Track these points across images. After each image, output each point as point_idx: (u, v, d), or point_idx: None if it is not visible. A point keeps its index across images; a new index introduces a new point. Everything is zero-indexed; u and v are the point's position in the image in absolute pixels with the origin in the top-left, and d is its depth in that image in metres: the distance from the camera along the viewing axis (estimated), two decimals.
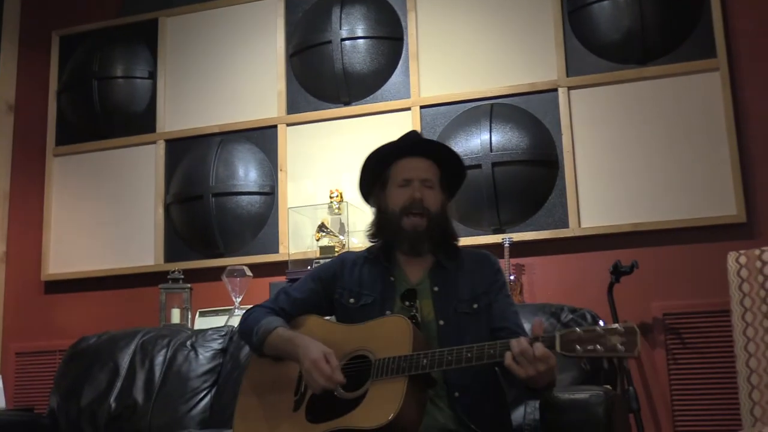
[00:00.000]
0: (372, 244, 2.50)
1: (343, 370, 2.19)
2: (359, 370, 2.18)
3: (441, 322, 2.27)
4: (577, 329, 1.93)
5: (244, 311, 2.52)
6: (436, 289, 2.33)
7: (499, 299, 2.36)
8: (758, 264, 2.82)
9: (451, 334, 2.24)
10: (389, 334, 2.17)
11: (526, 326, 2.36)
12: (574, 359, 1.95)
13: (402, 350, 2.10)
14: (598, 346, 1.88)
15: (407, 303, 2.30)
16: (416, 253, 2.38)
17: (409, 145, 2.45)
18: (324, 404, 2.18)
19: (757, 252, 2.85)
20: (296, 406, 2.25)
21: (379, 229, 2.44)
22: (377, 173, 2.46)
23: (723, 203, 3.58)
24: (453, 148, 3.81)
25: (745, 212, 3.54)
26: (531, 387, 2.06)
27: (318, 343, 2.23)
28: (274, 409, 2.29)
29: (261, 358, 2.40)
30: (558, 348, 1.93)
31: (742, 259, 2.86)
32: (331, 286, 2.44)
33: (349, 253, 2.55)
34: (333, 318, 2.46)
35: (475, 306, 2.32)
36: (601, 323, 1.92)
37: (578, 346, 1.90)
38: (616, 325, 1.88)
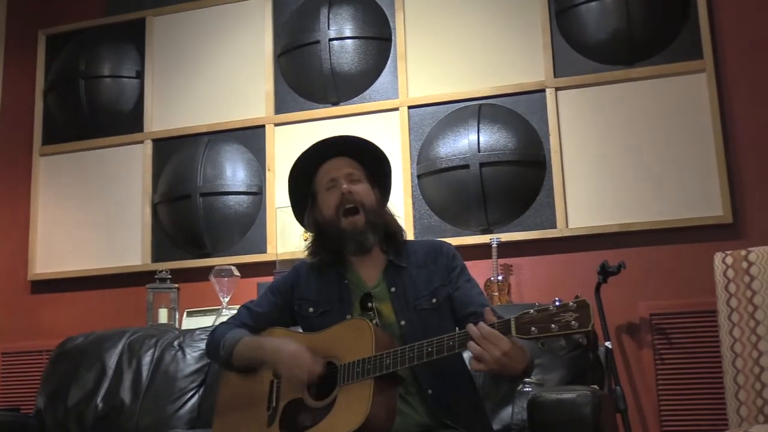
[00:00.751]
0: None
1: (312, 380, 2.19)
2: (328, 378, 2.18)
3: (402, 322, 2.27)
4: (531, 311, 1.93)
5: (210, 330, 2.52)
6: (393, 289, 2.32)
7: (460, 285, 2.35)
8: (744, 264, 2.84)
9: (415, 332, 2.22)
10: (352, 338, 2.17)
11: None
12: (532, 341, 1.93)
13: (365, 352, 2.11)
14: (553, 325, 1.88)
15: (367, 307, 2.30)
16: (364, 251, 2.36)
17: (320, 147, 2.44)
18: (296, 415, 2.18)
19: (743, 252, 2.86)
20: (270, 420, 2.25)
21: (321, 241, 2.41)
22: (304, 190, 2.45)
23: (709, 204, 3.59)
24: (441, 148, 3.89)
25: (731, 213, 3.56)
26: (507, 376, 2.05)
27: (289, 341, 2.23)
28: (249, 427, 2.29)
29: (231, 372, 2.40)
30: (513, 332, 1.93)
31: (729, 260, 2.88)
32: (290, 298, 2.44)
33: (302, 262, 2.53)
34: (298, 328, 2.45)
35: (434, 300, 2.31)
36: (556, 301, 1.91)
37: (533, 328, 1.91)
38: (568, 302, 1.88)
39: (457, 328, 2.30)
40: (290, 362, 2.17)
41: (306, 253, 2.47)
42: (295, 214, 2.53)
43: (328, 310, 2.35)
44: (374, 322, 2.24)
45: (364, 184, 2.40)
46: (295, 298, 2.43)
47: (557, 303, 1.91)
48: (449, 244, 2.47)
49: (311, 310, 2.38)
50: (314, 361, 2.15)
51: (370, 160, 2.46)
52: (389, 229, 2.41)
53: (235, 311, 3.61)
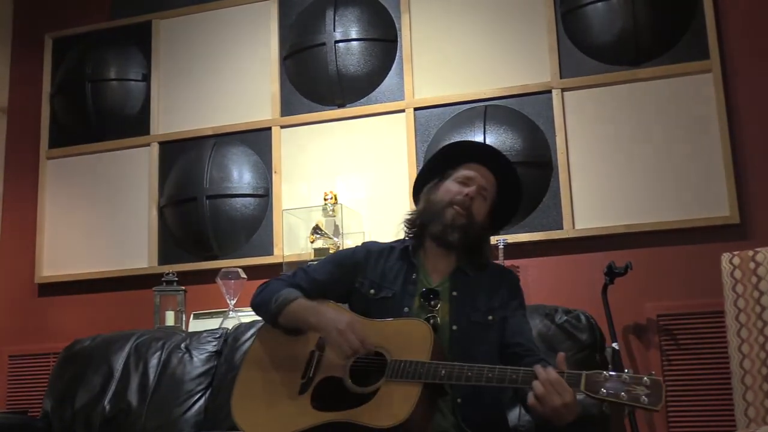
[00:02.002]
0: (399, 238, 2.48)
1: (356, 364, 2.17)
2: (372, 367, 2.15)
3: (454, 327, 2.26)
4: (604, 373, 1.91)
5: (257, 288, 2.44)
6: (454, 293, 2.32)
7: (516, 315, 2.35)
8: (752, 265, 2.83)
9: (462, 341, 2.23)
10: (409, 337, 2.15)
11: None
12: (597, 401, 1.93)
13: (420, 356, 2.09)
14: (623, 394, 1.87)
15: (426, 303, 2.29)
16: (443, 241, 2.35)
17: (487, 153, 2.45)
18: (331, 393, 2.15)
19: (750, 253, 2.86)
20: (302, 389, 2.21)
21: (420, 215, 2.42)
22: (443, 167, 2.45)
23: (716, 204, 3.58)
24: None
25: (738, 213, 3.55)
26: (554, 425, 2.01)
27: (345, 312, 2.22)
28: (278, 389, 2.25)
29: (274, 329, 2.34)
30: (582, 387, 1.92)
31: (736, 260, 2.87)
32: (352, 274, 2.41)
33: (373, 243, 2.52)
34: (346, 306, 2.42)
35: (490, 318, 2.30)
36: (627, 371, 1.90)
37: (603, 390, 1.89)
38: (643, 376, 1.88)
39: (500, 354, 2.29)
40: (346, 328, 2.13)
41: (404, 221, 2.46)
42: (417, 181, 2.52)
43: (389, 297, 2.33)
44: (432, 321, 2.23)
45: (486, 205, 2.40)
46: (359, 276, 2.40)
47: (630, 373, 1.90)
48: (517, 275, 2.49)
49: (372, 291, 2.36)
50: (366, 338, 2.12)
51: (507, 195, 2.46)
52: (477, 249, 2.41)
53: (242, 314, 3.66)
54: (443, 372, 2.05)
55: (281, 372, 2.28)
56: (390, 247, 2.45)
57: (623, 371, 1.91)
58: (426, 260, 2.39)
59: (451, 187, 2.37)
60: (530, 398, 1.95)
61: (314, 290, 2.38)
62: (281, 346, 2.33)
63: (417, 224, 2.42)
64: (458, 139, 3.88)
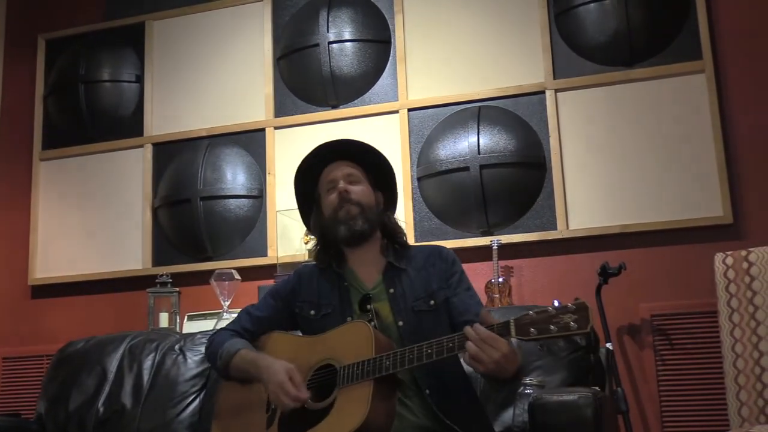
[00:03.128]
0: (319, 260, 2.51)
1: (311, 381, 2.22)
2: (327, 380, 2.20)
3: (400, 323, 2.29)
4: (530, 312, 1.94)
5: (209, 335, 2.55)
6: (391, 290, 2.34)
7: (458, 292, 2.37)
8: (745, 265, 2.84)
9: (412, 333, 2.24)
10: (352, 340, 2.18)
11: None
12: (531, 342, 1.95)
13: (365, 354, 2.12)
14: (552, 326, 1.89)
15: (365, 308, 2.32)
16: (358, 239, 2.37)
17: (322, 151, 2.49)
18: (295, 417, 2.19)
19: (743, 253, 2.86)
20: (268, 423, 2.26)
21: (324, 240, 2.45)
22: (309, 196, 2.50)
23: (710, 204, 3.59)
24: (441, 151, 3.90)
25: (731, 213, 3.56)
26: (500, 378, 2.05)
27: (280, 362, 2.24)
28: (248, 430, 2.31)
29: (228, 382, 2.42)
30: (513, 333, 1.94)
31: (729, 260, 2.88)
32: (291, 301, 2.47)
33: (305, 266, 2.58)
34: (298, 332, 2.46)
35: (432, 302, 2.33)
36: (555, 303, 1.92)
37: (532, 329, 1.92)
38: (567, 304, 1.90)
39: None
40: (276, 389, 2.19)
41: (311, 256, 2.52)
42: (302, 219, 2.57)
43: (329, 313, 2.37)
44: (373, 323, 2.25)
45: (364, 185, 2.43)
46: (297, 301, 2.45)
47: (556, 305, 1.91)
48: (449, 249, 2.49)
49: (312, 312, 2.40)
50: (298, 391, 2.16)
51: (374, 166, 2.49)
52: (389, 231, 2.45)
53: (236, 315, 3.65)
54: (388, 362, 2.08)
55: (247, 414, 2.34)
56: (319, 269, 2.48)
57: (550, 310, 1.92)
58: (354, 268, 2.42)
59: (327, 201, 2.42)
60: (467, 360, 2.00)
61: (259, 328, 2.47)
62: (241, 390, 2.39)
63: (327, 245, 2.45)
64: (455, 140, 3.90)
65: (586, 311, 1.88)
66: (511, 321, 1.96)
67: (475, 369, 2.01)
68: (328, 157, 2.48)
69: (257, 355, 2.35)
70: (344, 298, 2.37)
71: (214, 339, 2.48)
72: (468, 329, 1.99)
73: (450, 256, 2.44)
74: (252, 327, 2.47)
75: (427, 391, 2.20)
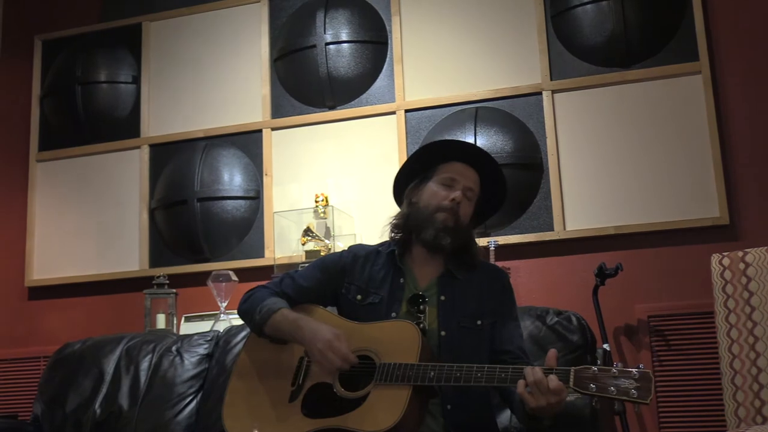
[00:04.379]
0: (385, 240, 2.45)
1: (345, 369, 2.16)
2: (361, 371, 2.15)
3: (443, 333, 2.25)
4: (593, 368, 1.92)
5: (243, 294, 2.45)
6: (443, 298, 2.30)
7: (506, 321, 2.34)
8: (741, 266, 2.84)
9: (451, 346, 2.22)
10: (397, 339, 2.14)
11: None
12: (587, 396, 1.93)
13: (408, 358, 2.08)
14: (612, 388, 1.87)
15: (414, 308, 2.27)
16: (435, 246, 2.32)
17: (467, 150, 2.43)
18: (322, 400, 2.15)
19: (740, 254, 2.86)
20: (292, 396, 2.21)
21: (406, 219, 2.39)
22: (425, 166, 2.42)
23: (706, 205, 3.60)
24: None
25: (728, 214, 3.56)
26: (536, 416, 2.02)
27: (327, 326, 2.19)
28: (268, 396, 2.25)
29: (260, 338, 2.34)
30: (571, 383, 1.92)
31: (726, 261, 2.88)
32: (339, 279, 2.40)
33: (360, 246, 2.50)
34: (334, 310, 2.41)
35: (479, 322, 2.29)
36: (616, 365, 1.90)
37: (592, 385, 1.89)
38: (632, 370, 1.88)
39: (489, 360, 2.28)
40: (324, 347, 2.12)
41: (390, 225, 2.43)
42: (397, 180, 2.49)
43: (376, 302, 2.32)
44: (422, 326, 2.21)
45: (472, 206, 2.39)
46: (345, 281, 2.39)
47: (618, 366, 1.90)
48: (507, 274, 2.46)
49: (359, 297, 2.35)
50: (348, 353, 2.12)
51: (490, 188, 2.44)
52: (465, 248, 2.39)
53: (233, 317, 3.65)
54: (432, 374, 2.05)
55: (271, 380, 2.28)
56: (376, 251, 2.43)
57: (613, 365, 1.90)
58: (413, 264, 2.38)
59: (436, 191, 2.35)
60: (520, 390, 1.96)
61: (301, 297, 2.39)
62: (269, 354, 2.32)
63: (404, 228, 2.40)
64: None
65: (649, 383, 1.86)
66: (572, 371, 1.93)
67: (512, 400, 1.98)
68: (465, 155, 2.41)
69: (300, 315, 2.28)
70: (395, 292, 2.32)
71: (254, 293, 2.39)
72: (528, 370, 1.96)
73: (509, 284, 2.42)
74: (293, 294, 2.39)
75: (449, 407, 2.18)
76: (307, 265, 2.60)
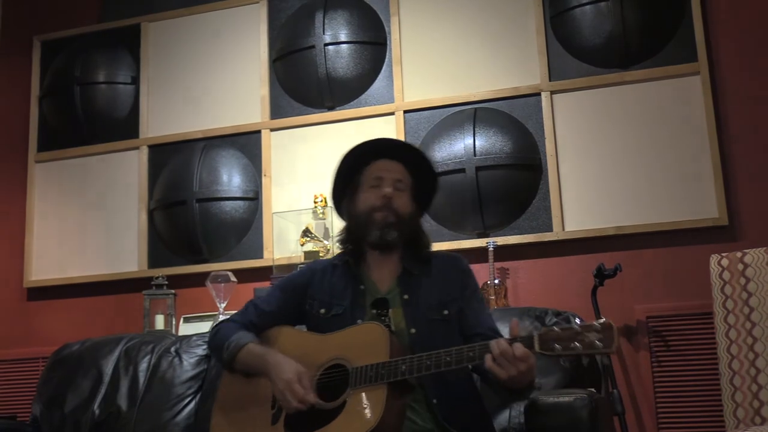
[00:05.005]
0: (340, 251, 2.47)
1: (320, 381, 2.18)
2: (336, 380, 2.16)
3: (412, 330, 2.26)
4: (555, 328, 1.93)
5: (212, 325, 2.50)
6: (405, 297, 2.31)
7: (472, 304, 2.35)
8: (740, 266, 2.85)
9: (423, 341, 2.21)
10: (365, 342, 2.15)
11: (503, 329, 2.34)
12: (554, 358, 1.95)
13: (379, 357, 2.10)
14: (576, 344, 1.89)
15: (378, 312, 2.29)
16: (385, 245, 2.34)
17: (385, 146, 2.44)
18: (303, 416, 2.16)
19: (738, 254, 2.87)
20: (274, 419, 2.23)
21: (350, 232, 2.42)
22: (350, 177, 2.44)
23: (705, 206, 3.60)
24: (437, 152, 3.90)
25: (726, 215, 3.56)
26: (512, 388, 2.04)
27: (291, 362, 2.20)
28: (250, 424, 2.27)
29: (232, 374, 2.37)
30: (537, 347, 1.94)
31: (724, 262, 2.89)
32: (301, 297, 2.42)
33: (317, 262, 2.53)
34: (304, 327, 2.43)
35: (446, 312, 2.30)
36: (578, 321, 1.92)
37: (557, 345, 1.91)
38: (593, 323, 1.90)
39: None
40: (284, 388, 2.15)
41: (337, 242, 2.46)
42: (333, 198, 2.51)
43: (340, 313, 2.33)
44: (388, 326, 2.23)
45: (407, 195, 2.39)
46: (308, 297, 2.40)
47: (580, 322, 1.91)
48: (465, 260, 2.46)
49: (323, 311, 2.36)
50: (307, 395, 2.14)
51: (421, 175, 2.45)
52: (415, 240, 2.41)
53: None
54: (404, 367, 2.06)
55: (251, 409, 2.30)
56: (332, 264, 2.45)
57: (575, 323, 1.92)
58: (370, 270, 2.39)
59: (368, 195, 2.37)
60: (487, 363, 1.97)
61: (266, 322, 2.41)
62: (246, 385, 2.34)
63: (351, 239, 2.42)
64: (450, 141, 3.90)
65: (612, 331, 1.87)
66: (536, 335, 1.95)
67: (493, 371, 1.99)
68: (384, 151, 2.43)
69: (266, 350, 2.30)
70: (357, 300, 2.33)
71: (220, 330, 2.41)
72: (492, 343, 1.97)
73: (467, 267, 2.43)
74: (258, 321, 2.41)
75: (435, 401, 2.19)
76: (268, 289, 2.62)
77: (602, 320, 1.89)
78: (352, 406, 2.09)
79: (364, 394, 2.08)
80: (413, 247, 2.41)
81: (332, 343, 2.24)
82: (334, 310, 2.34)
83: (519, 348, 1.95)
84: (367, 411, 2.04)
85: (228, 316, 2.52)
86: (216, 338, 2.41)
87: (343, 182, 2.47)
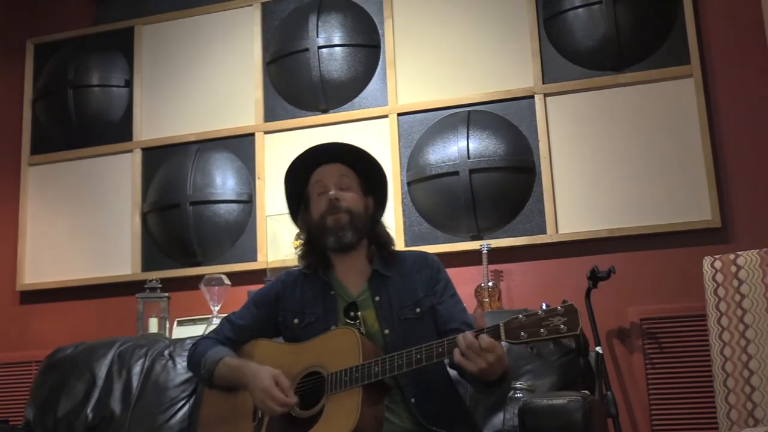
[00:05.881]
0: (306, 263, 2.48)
1: (297, 389, 2.20)
2: (314, 387, 2.18)
3: (386, 331, 2.27)
4: (520, 316, 1.96)
5: (191, 345, 2.51)
6: (377, 298, 2.32)
7: (444, 300, 2.36)
8: (733, 268, 2.85)
9: (398, 341, 2.23)
10: (338, 347, 2.18)
11: None
12: (522, 345, 1.98)
13: (353, 361, 2.12)
14: (542, 330, 1.92)
15: (351, 316, 2.30)
16: (343, 247, 2.35)
17: (319, 151, 2.45)
18: (283, 426, 2.18)
19: (731, 256, 2.88)
20: (256, 431, 2.24)
21: (310, 245, 2.43)
22: (298, 193, 2.47)
23: (698, 208, 3.61)
24: (431, 155, 3.90)
25: (719, 217, 3.57)
26: (486, 380, 2.06)
27: (266, 368, 2.22)
28: None
29: (212, 390, 2.40)
30: (503, 337, 1.96)
31: (717, 264, 2.89)
32: (274, 309, 2.44)
33: (288, 272, 2.53)
34: (281, 339, 2.44)
35: (418, 310, 2.32)
36: (543, 306, 1.94)
37: (522, 332, 1.94)
38: (556, 307, 1.92)
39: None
40: (263, 396, 2.17)
41: (297, 257, 2.49)
42: (291, 217, 2.53)
43: (313, 321, 2.35)
44: (359, 331, 2.24)
45: (354, 191, 2.40)
46: (280, 309, 2.43)
47: (545, 307, 1.92)
48: (434, 256, 2.47)
49: (296, 321, 2.38)
50: (286, 397, 2.15)
51: (366, 170, 2.45)
52: (378, 238, 2.43)
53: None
54: (377, 369, 2.08)
55: (232, 424, 2.32)
56: (303, 274, 2.46)
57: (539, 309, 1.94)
58: (339, 275, 2.40)
59: (316, 203, 2.39)
60: (456, 357, 1.99)
61: (242, 337, 2.44)
62: (226, 401, 2.37)
63: (312, 249, 2.43)
64: (444, 144, 3.90)
65: (575, 313, 1.90)
66: (501, 325, 1.97)
67: (462, 372, 2.01)
68: (320, 158, 2.44)
69: (241, 362, 2.33)
70: (329, 307, 2.35)
71: (197, 348, 2.44)
72: (459, 337, 1.99)
73: (436, 263, 2.43)
74: (234, 336, 2.45)
75: (413, 400, 2.20)
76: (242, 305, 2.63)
77: (565, 303, 1.92)
78: (329, 412, 2.11)
79: (340, 399, 2.10)
80: (379, 248, 2.41)
81: (307, 351, 2.26)
82: (308, 319, 2.36)
83: (485, 339, 1.97)
84: (344, 416, 2.06)
85: (205, 334, 2.55)
86: (194, 357, 2.44)
87: (293, 200, 2.49)
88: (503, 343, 1.99)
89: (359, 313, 2.30)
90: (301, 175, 2.46)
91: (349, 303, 2.33)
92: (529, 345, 1.96)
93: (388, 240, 2.44)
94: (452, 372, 2.32)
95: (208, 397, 2.44)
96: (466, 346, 1.97)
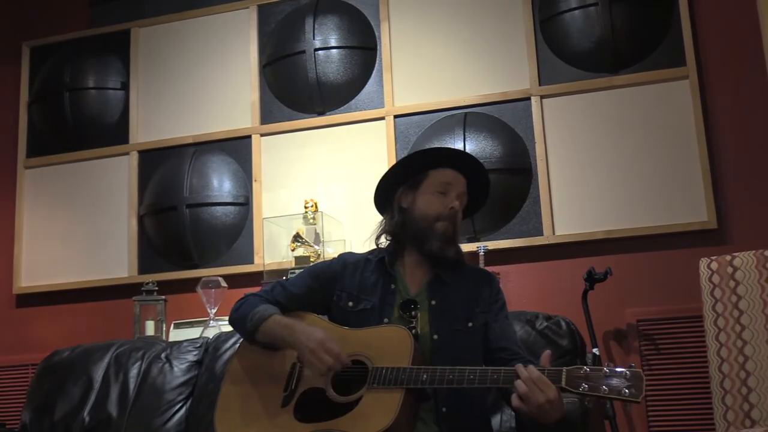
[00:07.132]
0: (374, 248, 2.46)
1: (339, 373, 2.16)
2: (354, 375, 2.15)
3: (435, 337, 2.25)
4: (585, 367, 1.92)
5: (235, 302, 2.44)
6: (433, 302, 2.31)
7: (499, 319, 2.34)
8: (729, 270, 2.86)
9: (444, 349, 2.22)
10: (389, 344, 2.15)
11: None
12: (578, 395, 1.94)
13: (401, 362, 2.09)
14: (604, 387, 1.88)
15: (405, 313, 2.28)
16: (439, 258, 2.33)
17: (462, 157, 2.43)
18: (314, 404, 2.15)
19: (728, 258, 2.88)
20: (285, 402, 2.21)
21: (401, 228, 2.38)
22: (413, 172, 2.41)
23: (694, 210, 3.61)
24: None
25: (716, 218, 3.58)
26: (541, 423, 2.00)
27: (320, 328, 2.20)
28: (260, 402, 2.25)
29: (252, 345, 2.34)
30: (563, 383, 1.92)
31: (714, 265, 2.89)
32: (330, 287, 2.40)
33: (350, 254, 2.50)
34: (326, 317, 2.41)
35: (470, 324, 2.29)
36: (607, 365, 1.91)
37: (584, 384, 1.90)
38: (623, 369, 1.89)
39: (484, 359, 2.30)
40: (317, 347, 2.12)
41: (382, 227, 2.44)
42: (382, 184, 2.47)
43: (368, 309, 2.32)
44: (414, 331, 2.22)
45: (462, 212, 2.41)
46: (337, 289, 2.39)
47: (609, 366, 1.91)
48: (497, 277, 2.47)
49: (350, 304, 2.35)
50: (341, 353, 2.12)
51: (475, 193, 2.46)
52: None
53: (223, 323, 3.64)
54: (425, 376, 2.05)
55: (263, 385, 2.28)
56: (366, 259, 2.43)
57: (604, 365, 1.91)
58: (404, 270, 2.38)
59: (433, 199, 2.36)
60: (514, 398, 1.96)
61: (292, 304, 2.38)
62: (262, 359, 2.32)
63: (398, 236, 2.39)
64: (440, 146, 3.90)
65: (641, 381, 1.86)
66: (564, 371, 1.94)
67: (520, 408, 1.96)
68: (455, 163, 2.40)
69: (293, 321, 2.28)
70: (387, 299, 2.32)
71: (245, 302, 2.38)
72: (520, 367, 1.96)
73: (497, 284, 2.43)
74: (284, 301, 2.38)
75: (444, 410, 2.18)
76: (297, 272, 2.60)
77: (633, 369, 1.88)
78: (366, 405, 2.08)
79: (380, 395, 2.07)
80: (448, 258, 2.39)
81: (356, 338, 2.22)
82: (362, 305, 2.33)
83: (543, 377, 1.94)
84: (380, 412, 2.03)
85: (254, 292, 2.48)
86: (240, 309, 2.37)
87: (401, 173, 2.43)
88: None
89: (416, 313, 2.28)
90: (429, 160, 2.41)
91: (408, 299, 2.31)
92: (587, 399, 1.93)
93: (461, 253, 2.42)
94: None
95: (245, 352, 2.38)
96: (527, 376, 1.93)
